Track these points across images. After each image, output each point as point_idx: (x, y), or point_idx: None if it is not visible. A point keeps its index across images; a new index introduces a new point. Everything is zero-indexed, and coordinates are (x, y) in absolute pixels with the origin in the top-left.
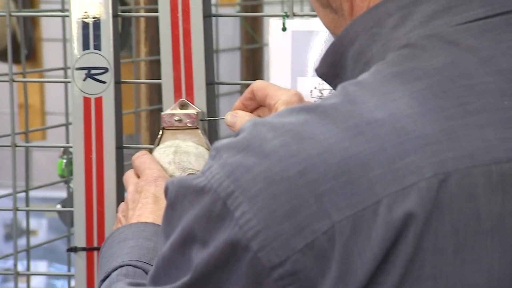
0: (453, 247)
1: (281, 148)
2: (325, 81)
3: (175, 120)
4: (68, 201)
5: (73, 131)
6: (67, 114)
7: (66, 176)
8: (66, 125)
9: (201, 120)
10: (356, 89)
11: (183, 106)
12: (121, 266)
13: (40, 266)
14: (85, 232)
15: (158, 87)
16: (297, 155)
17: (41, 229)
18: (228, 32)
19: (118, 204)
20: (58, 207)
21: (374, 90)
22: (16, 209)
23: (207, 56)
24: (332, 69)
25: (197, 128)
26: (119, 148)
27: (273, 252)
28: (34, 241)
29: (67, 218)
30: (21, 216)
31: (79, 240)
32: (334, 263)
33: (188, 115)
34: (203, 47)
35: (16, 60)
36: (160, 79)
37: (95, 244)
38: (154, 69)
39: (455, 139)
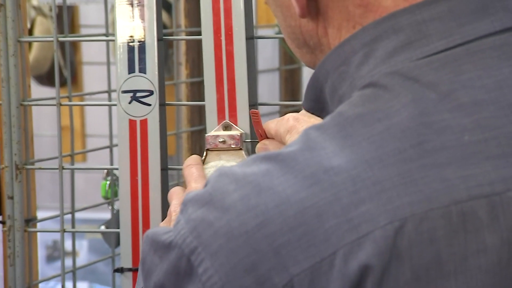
0: None
1: (240, 201)
2: (314, 114)
3: (219, 142)
4: (111, 222)
5: (119, 153)
6: (111, 137)
7: (110, 198)
8: (110, 147)
9: (245, 141)
10: (317, 134)
11: (226, 127)
12: None
13: (81, 287)
14: (131, 253)
15: (199, 108)
16: (256, 208)
17: (82, 250)
18: (267, 53)
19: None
20: (102, 228)
21: (334, 135)
22: (63, 231)
23: (250, 78)
24: (316, 103)
25: (240, 149)
26: (164, 169)
27: None
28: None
29: (111, 239)
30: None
31: (125, 261)
32: None
33: (231, 136)
34: (246, 69)
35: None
36: (201, 100)
37: None
38: (195, 90)
39: (411, 182)
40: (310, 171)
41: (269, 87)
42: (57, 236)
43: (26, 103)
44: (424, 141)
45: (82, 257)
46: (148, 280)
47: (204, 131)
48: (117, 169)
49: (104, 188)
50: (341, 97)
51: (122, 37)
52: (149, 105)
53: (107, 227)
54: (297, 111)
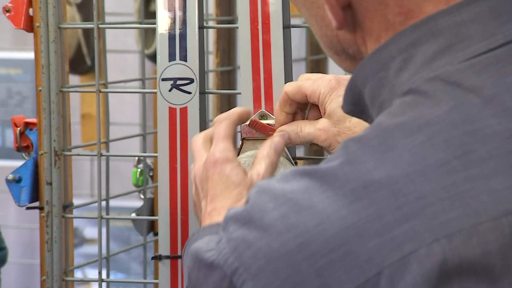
0: None
1: (280, 220)
2: (354, 116)
3: (255, 131)
4: (142, 210)
5: (159, 141)
6: (144, 125)
7: (140, 185)
8: (144, 135)
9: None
10: (357, 147)
11: (262, 116)
12: None
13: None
14: (169, 241)
15: (228, 97)
16: (296, 227)
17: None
18: (294, 43)
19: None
20: (133, 215)
21: (374, 148)
22: (101, 217)
23: (286, 67)
24: (355, 107)
25: None
26: None
27: None
28: (95, 249)
29: (142, 227)
30: (82, 224)
31: (163, 248)
32: None
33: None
34: (282, 58)
35: (80, 72)
36: (230, 89)
37: (179, 253)
38: (225, 79)
39: (457, 196)
40: (350, 188)
41: (295, 77)
42: (77, 222)
43: (65, 89)
44: (469, 151)
45: (103, 245)
46: None
47: None
48: (150, 156)
49: (135, 176)
50: (382, 104)
51: (163, 25)
52: (190, 93)
53: (137, 215)
54: None
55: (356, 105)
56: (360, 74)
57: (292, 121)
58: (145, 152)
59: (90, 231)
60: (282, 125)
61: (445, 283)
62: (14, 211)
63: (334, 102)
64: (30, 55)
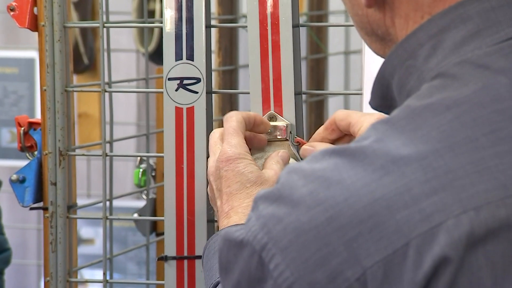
0: (491, 281)
1: (309, 196)
2: (382, 112)
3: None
4: (145, 210)
5: (165, 141)
6: (147, 125)
7: (143, 185)
8: (147, 134)
9: (291, 132)
10: (386, 127)
11: (271, 118)
12: (216, 286)
13: (97, 275)
14: (175, 241)
15: (229, 97)
16: (324, 202)
17: (98, 238)
18: None
19: (208, 214)
20: (135, 216)
21: (403, 127)
22: (106, 218)
23: (295, 67)
24: (383, 100)
25: (286, 140)
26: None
27: None
28: (91, 250)
29: (145, 227)
30: (79, 225)
31: (169, 249)
32: None
33: (277, 127)
34: (292, 58)
35: (77, 71)
36: (233, 88)
37: (185, 253)
38: (227, 79)
39: (485, 170)
40: (379, 163)
41: None
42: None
43: (70, 89)
44: (497, 129)
45: (99, 245)
46: (226, 278)
47: None
48: (154, 156)
49: (137, 176)
50: (409, 92)
51: (170, 24)
52: (196, 92)
53: (140, 215)
54: (322, 101)
55: (384, 98)
56: (388, 65)
57: None
58: (148, 152)
59: (86, 231)
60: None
61: (471, 252)
62: (6, 210)
63: None
64: (25, 54)
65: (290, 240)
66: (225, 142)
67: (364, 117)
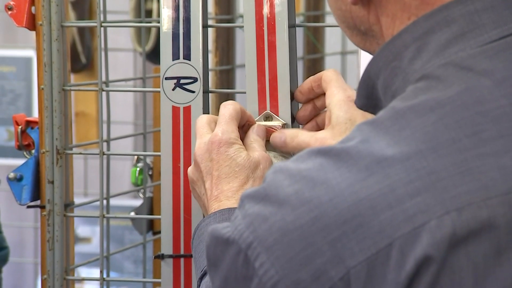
0: (472, 281)
1: (294, 195)
2: (367, 111)
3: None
4: (142, 209)
5: (162, 140)
6: (144, 124)
7: (139, 184)
8: (144, 133)
9: None
10: (371, 128)
11: (267, 118)
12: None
13: (94, 273)
14: (172, 240)
15: (227, 96)
16: (310, 202)
17: (95, 236)
18: None
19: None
20: (132, 214)
21: (388, 128)
22: (103, 216)
23: (291, 67)
24: (369, 100)
25: None
26: None
27: None
28: (88, 248)
29: (141, 226)
30: (75, 223)
31: (166, 247)
32: None
33: (273, 127)
34: (288, 59)
35: (74, 69)
36: (229, 88)
37: (182, 252)
38: (224, 78)
39: (468, 171)
40: (363, 164)
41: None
42: None
43: (67, 88)
44: (480, 131)
45: (96, 244)
46: (214, 273)
47: None
48: (151, 155)
49: (134, 175)
50: (394, 93)
51: (167, 24)
52: (193, 92)
53: (136, 214)
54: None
55: (369, 98)
56: (374, 65)
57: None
58: (145, 151)
59: (83, 230)
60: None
61: (453, 252)
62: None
63: (342, 114)
64: (23, 52)
65: (275, 239)
66: (219, 126)
67: (338, 89)
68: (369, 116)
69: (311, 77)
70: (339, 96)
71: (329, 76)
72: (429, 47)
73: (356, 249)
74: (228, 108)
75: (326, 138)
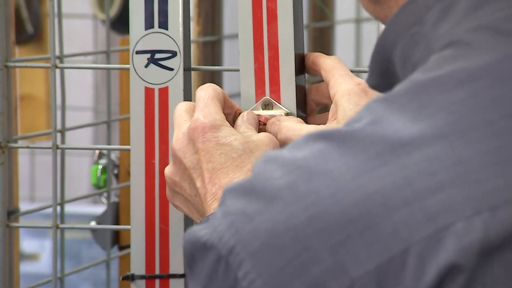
0: None
1: (287, 189)
2: (381, 92)
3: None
4: (105, 217)
5: (132, 130)
6: (109, 110)
7: (102, 187)
8: (108, 122)
9: None
10: (383, 106)
11: (267, 105)
12: None
13: None
14: (144, 256)
15: (211, 75)
16: (306, 197)
17: (43, 252)
18: None
19: (186, 221)
20: (93, 224)
21: (404, 106)
22: (56, 227)
23: (296, 43)
24: (383, 78)
25: None
26: None
27: None
28: (35, 267)
29: (104, 239)
30: (20, 236)
31: (137, 266)
32: None
33: (273, 117)
34: (292, 30)
35: (18, 41)
36: (214, 64)
37: (157, 271)
38: (208, 52)
39: (504, 162)
40: (374, 151)
41: None
42: None
43: (11, 64)
44: None
45: (44, 262)
46: (193, 283)
47: None
48: (118, 149)
49: (95, 174)
50: (415, 65)
51: None
52: (171, 69)
53: (98, 223)
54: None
55: (384, 75)
56: (389, 33)
57: None
58: (109, 144)
59: (29, 245)
60: None
61: (485, 262)
62: None
63: (352, 107)
64: None
65: (263, 243)
66: (198, 110)
67: (343, 78)
68: None
69: (309, 60)
70: (347, 85)
71: (330, 64)
72: (457, 7)
73: (363, 256)
74: (206, 89)
75: None
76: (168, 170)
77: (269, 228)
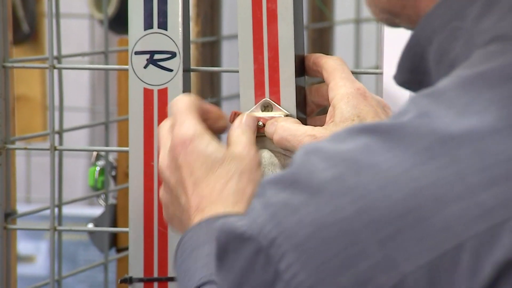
0: None
1: (334, 182)
2: (409, 89)
3: (257, 126)
4: (103, 220)
5: (130, 131)
6: (106, 111)
7: (100, 188)
8: (106, 123)
9: None
10: (429, 101)
11: (266, 107)
12: (200, 286)
13: None
14: (142, 259)
15: (210, 77)
16: (354, 190)
17: (39, 255)
18: None
19: None
20: (90, 226)
21: (452, 101)
22: (54, 229)
23: (297, 43)
24: (413, 75)
25: None
26: None
27: None
28: (31, 270)
29: (102, 241)
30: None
31: (135, 268)
32: None
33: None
34: (292, 31)
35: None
36: (213, 65)
37: (156, 274)
38: (207, 53)
39: None
40: (423, 145)
41: None
42: None
43: (9, 64)
44: None
45: (40, 264)
46: (224, 278)
47: (218, 105)
48: (116, 151)
49: (93, 176)
50: (453, 62)
51: None
52: (171, 70)
53: (96, 226)
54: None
55: (414, 72)
56: (425, 27)
57: None
58: (107, 146)
59: (25, 247)
60: None
61: None
62: None
63: (350, 109)
64: None
65: (308, 235)
66: (176, 126)
67: (343, 81)
68: (383, 115)
69: (309, 61)
70: (346, 89)
71: (332, 65)
72: (502, 1)
73: (414, 250)
74: (180, 102)
75: (319, 134)
76: (161, 193)
77: (315, 220)
